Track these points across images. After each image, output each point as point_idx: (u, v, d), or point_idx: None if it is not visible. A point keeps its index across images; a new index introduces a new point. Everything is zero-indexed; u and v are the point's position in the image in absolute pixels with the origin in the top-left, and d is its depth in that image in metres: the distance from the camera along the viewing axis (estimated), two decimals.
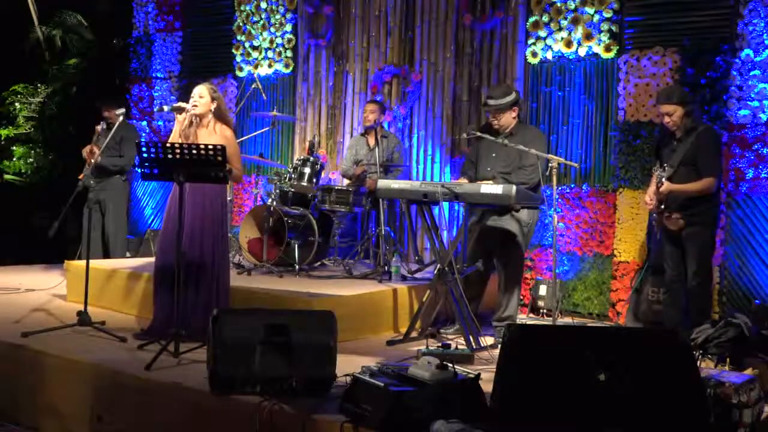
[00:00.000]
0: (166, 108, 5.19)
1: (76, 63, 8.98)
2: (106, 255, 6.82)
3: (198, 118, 4.75)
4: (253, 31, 8.09)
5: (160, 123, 8.77)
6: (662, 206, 4.93)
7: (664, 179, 4.80)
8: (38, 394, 4.24)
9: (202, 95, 4.74)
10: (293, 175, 6.31)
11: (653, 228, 5.16)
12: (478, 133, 5.37)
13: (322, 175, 6.69)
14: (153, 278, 4.84)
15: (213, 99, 4.75)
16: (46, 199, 8.27)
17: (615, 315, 6.06)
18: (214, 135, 4.72)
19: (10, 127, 8.67)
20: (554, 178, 5.02)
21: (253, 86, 7.60)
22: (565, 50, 6.34)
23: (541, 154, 5.06)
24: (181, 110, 4.78)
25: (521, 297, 6.27)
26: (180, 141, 4.65)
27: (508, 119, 5.32)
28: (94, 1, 9.25)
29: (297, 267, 5.92)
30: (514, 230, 5.20)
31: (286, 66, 7.90)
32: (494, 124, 5.34)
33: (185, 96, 7.68)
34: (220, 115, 4.78)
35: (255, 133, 7.78)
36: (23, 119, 8.78)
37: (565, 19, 6.31)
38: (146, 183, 8.79)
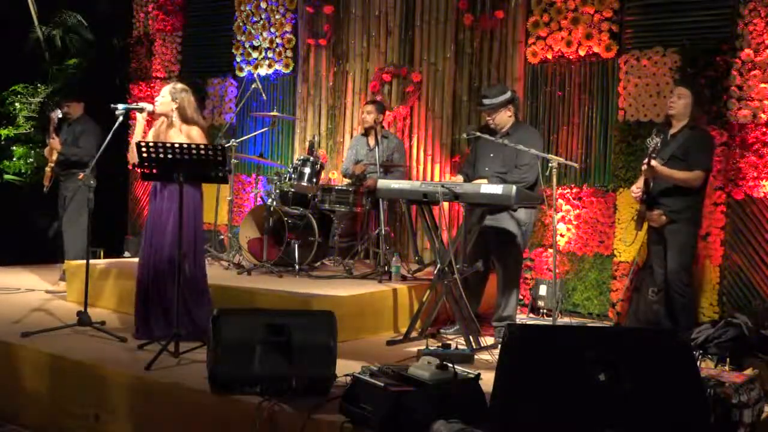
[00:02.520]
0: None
1: (76, 63, 8.97)
2: (61, 254, 6.73)
3: (167, 117, 4.80)
4: (253, 31, 8.09)
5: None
6: (644, 195, 4.96)
7: (657, 148, 4.83)
8: (38, 394, 4.24)
9: (163, 95, 4.81)
10: (293, 175, 6.31)
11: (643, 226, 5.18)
12: (478, 133, 5.38)
13: (322, 175, 6.69)
14: (137, 283, 4.81)
15: (174, 99, 4.77)
16: (46, 199, 8.26)
17: (615, 315, 6.06)
18: (180, 135, 4.74)
19: (10, 127, 8.66)
20: (554, 178, 5.02)
21: (253, 86, 7.60)
22: (565, 50, 6.34)
23: (541, 153, 5.07)
24: (141, 110, 4.87)
25: (521, 297, 6.27)
26: (148, 140, 4.63)
27: (504, 118, 5.35)
28: (94, 1, 9.24)
29: (297, 267, 5.91)
30: (513, 230, 5.21)
31: (286, 66, 7.90)
32: (490, 123, 5.38)
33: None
34: (183, 116, 4.77)
35: (255, 133, 7.78)
36: (23, 119, 8.77)
37: (565, 19, 6.31)
38: (146, 183, 8.77)
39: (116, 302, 5.69)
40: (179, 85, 4.88)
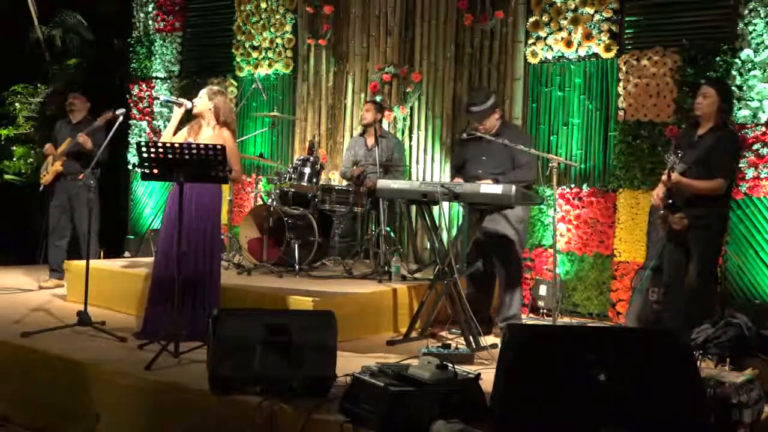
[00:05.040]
0: (162, 97, 5.30)
1: (76, 63, 8.98)
2: (78, 255, 6.72)
3: (203, 117, 4.87)
4: (253, 31, 8.09)
5: (160, 123, 8.77)
6: (669, 201, 4.86)
7: (676, 165, 4.74)
8: (38, 394, 4.24)
9: (200, 96, 4.89)
10: (293, 175, 6.31)
11: (654, 226, 5.13)
12: (478, 134, 5.37)
13: (322, 175, 6.68)
14: (151, 282, 4.83)
15: (211, 99, 4.85)
16: (46, 199, 8.25)
17: (615, 315, 6.06)
18: (212, 135, 4.81)
19: (10, 127, 8.67)
20: (554, 178, 5.02)
21: (253, 86, 7.60)
22: (565, 50, 6.34)
23: (542, 153, 5.07)
24: (179, 105, 4.96)
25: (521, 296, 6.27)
26: (182, 139, 4.81)
27: (493, 122, 5.37)
28: (94, 1, 9.25)
29: (297, 267, 5.91)
30: (510, 230, 5.22)
31: (286, 66, 7.90)
32: (480, 129, 5.35)
33: (185, 96, 7.68)
34: (218, 117, 4.84)
35: (255, 133, 7.78)
36: (23, 119, 8.78)
37: (565, 19, 6.31)
38: (146, 183, 8.78)
39: (116, 302, 5.69)
40: (215, 87, 4.99)
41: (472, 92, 6.00)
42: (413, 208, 5.74)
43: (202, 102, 4.86)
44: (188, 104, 4.94)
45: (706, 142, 4.83)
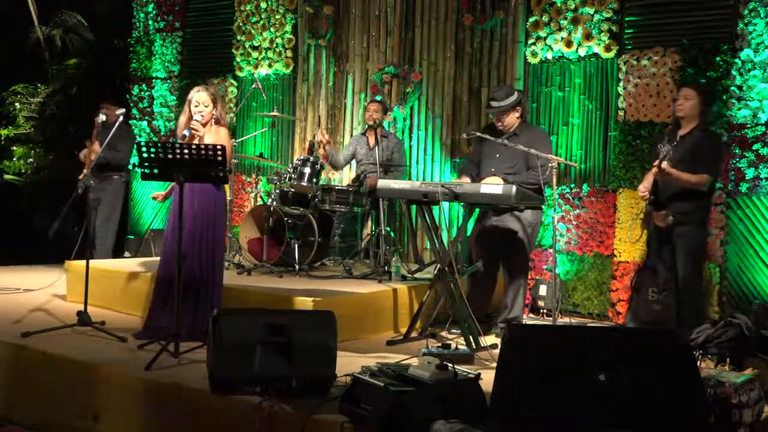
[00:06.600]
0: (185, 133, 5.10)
1: (76, 63, 8.99)
2: (91, 254, 6.76)
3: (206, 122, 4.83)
4: (253, 31, 8.09)
5: (160, 123, 8.77)
6: (652, 197, 4.93)
7: (669, 155, 4.77)
8: (38, 394, 4.24)
9: (206, 103, 4.78)
10: (293, 175, 6.31)
11: (648, 226, 5.16)
12: (478, 134, 5.37)
13: (322, 175, 6.68)
14: (155, 282, 4.83)
15: (215, 105, 4.81)
16: (46, 199, 8.27)
17: (615, 315, 6.06)
18: (209, 136, 4.78)
19: (10, 127, 8.68)
20: (554, 178, 5.02)
21: (253, 86, 7.61)
22: (565, 50, 6.34)
23: (541, 154, 5.05)
24: (193, 136, 4.76)
25: None
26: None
27: (512, 120, 5.33)
28: (94, 1, 9.25)
29: (297, 267, 5.91)
30: (519, 231, 5.20)
31: (286, 66, 7.90)
32: (498, 125, 5.34)
33: (185, 96, 7.68)
34: (218, 119, 4.82)
35: (255, 133, 7.78)
36: (23, 119, 8.79)
37: (565, 19, 6.31)
38: (146, 183, 8.78)
39: (116, 302, 5.69)
40: (211, 89, 4.90)
41: (496, 88, 5.98)
42: (413, 208, 5.74)
43: (209, 111, 4.77)
44: (194, 121, 4.77)
45: (689, 141, 4.95)
